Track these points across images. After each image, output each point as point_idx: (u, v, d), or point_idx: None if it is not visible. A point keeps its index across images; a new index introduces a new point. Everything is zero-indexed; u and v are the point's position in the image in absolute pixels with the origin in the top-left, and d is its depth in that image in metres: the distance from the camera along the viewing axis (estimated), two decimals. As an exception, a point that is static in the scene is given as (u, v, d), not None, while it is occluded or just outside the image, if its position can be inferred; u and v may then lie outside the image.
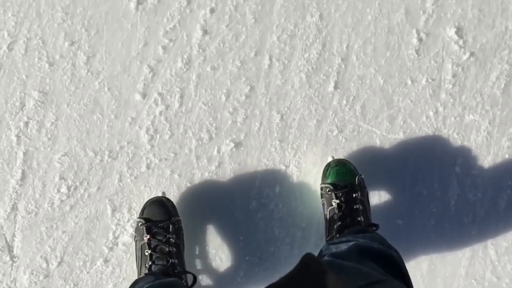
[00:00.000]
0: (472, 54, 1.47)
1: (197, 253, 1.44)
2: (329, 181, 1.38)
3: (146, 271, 1.32)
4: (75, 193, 1.43)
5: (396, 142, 1.47)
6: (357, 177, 1.36)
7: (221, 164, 1.44)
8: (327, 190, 1.36)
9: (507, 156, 1.46)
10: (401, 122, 1.46)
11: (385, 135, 1.45)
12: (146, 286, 1.21)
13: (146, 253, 1.33)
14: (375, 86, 1.46)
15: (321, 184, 1.41)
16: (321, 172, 1.40)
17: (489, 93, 1.46)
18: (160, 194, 1.40)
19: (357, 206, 1.35)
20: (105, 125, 1.44)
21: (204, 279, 1.42)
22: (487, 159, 1.46)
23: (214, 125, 1.45)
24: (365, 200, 1.37)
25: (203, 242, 1.43)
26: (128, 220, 1.42)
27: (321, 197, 1.40)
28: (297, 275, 0.80)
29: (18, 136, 1.44)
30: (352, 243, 1.18)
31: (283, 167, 1.46)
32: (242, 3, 1.47)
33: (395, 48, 1.46)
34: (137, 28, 1.46)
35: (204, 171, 1.43)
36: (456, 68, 1.46)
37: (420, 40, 1.47)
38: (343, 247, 1.18)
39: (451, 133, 1.46)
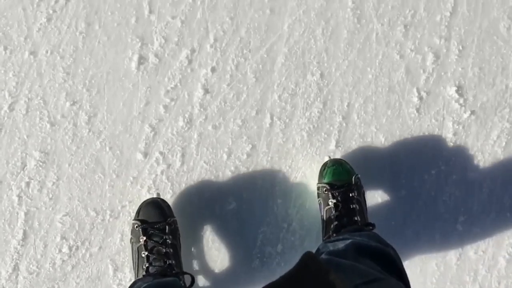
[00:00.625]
0: (472, 112, 1.53)
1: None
2: (325, 180, 1.45)
3: (144, 273, 1.38)
4: (77, 253, 1.49)
5: (398, 196, 1.51)
6: (353, 177, 1.43)
7: (223, 223, 1.48)
8: (324, 189, 1.43)
9: (508, 214, 1.52)
10: (403, 180, 1.51)
11: (387, 191, 1.49)
12: (144, 285, 1.28)
13: (143, 255, 1.39)
14: (377, 145, 1.51)
15: (317, 183, 1.48)
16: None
17: (490, 151, 1.53)
18: (155, 196, 1.48)
19: (354, 206, 1.40)
20: (107, 185, 1.50)
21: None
22: (489, 217, 1.52)
23: (216, 184, 1.49)
24: (361, 200, 1.44)
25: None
26: (130, 280, 1.46)
27: (318, 197, 1.47)
28: (296, 274, 0.85)
29: (19, 196, 1.49)
30: (349, 241, 1.23)
31: (285, 225, 1.50)
32: (243, 62, 1.53)
33: (396, 106, 1.53)
34: (138, 87, 1.52)
35: (206, 230, 1.49)
36: (457, 127, 1.52)
37: (420, 98, 1.53)
38: (340, 245, 1.23)
39: (453, 191, 1.51)
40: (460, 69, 1.56)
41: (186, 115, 1.54)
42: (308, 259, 0.85)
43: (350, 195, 1.41)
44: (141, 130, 1.54)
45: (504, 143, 1.56)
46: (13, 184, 1.51)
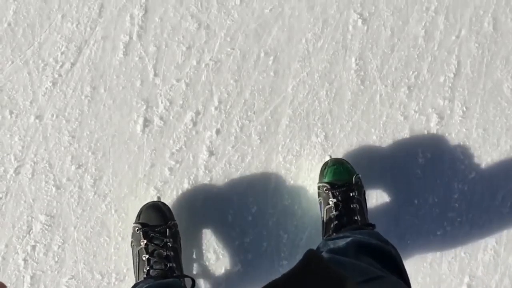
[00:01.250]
0: (477, 172, 1.56)
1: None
2: (326, 180, 1.51)
3: (145, 276, 1.44)
4: (83, 316, 1.52)
5: (402, 252, 1.55)
6: (354, 176, 1.50)
7: (228, 285, 1.52)
8: (324, 189, 1.49)
9: (514, 275, 1.56)
10: (408, 242, 1.55)
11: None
12: (146, 286, 1.35)
13: (144, 258, 1.44)
14: (382, 205, 1.55)
15: (318, 183, 1.55)
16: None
17: (496, 212, 1.56)
18: (155, 199, 1.56)
19: (354, 206, 1.46)
20: (112, 247, 1.55)
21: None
22: (494, 278, 1.57)
23: (221, 245, 1.53)
24: (362, 200, 1.50)
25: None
26: None
27: (318, 196, 1.53)
28: (299, 271, 0.88)
29: (25, 260, 1.54)
30: (350, 239, 1.28)
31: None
32: (248, 124, 1.58)
33: (400, 167, 1.56)
34: (143, 150, 1.57)
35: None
36: (462, 187, 1.56)
37: (425, 159, 1.56)
38: (341, 242, 1.27)
39: (458, 252, 1.55)
40: (464, 130, 1.62)
41: (191, 177, 1.59)
42: (311, 256, 0.87)
43: (351, 194, 1.46)
44: (146, 193, 1.59)
45: (509, 204, 1.60)
46: (19, 248, 1.56)
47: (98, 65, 1.62)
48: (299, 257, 1.58)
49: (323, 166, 1.55)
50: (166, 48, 1.63)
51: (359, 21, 1.63)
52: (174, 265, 1.43)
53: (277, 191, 1.60)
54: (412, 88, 1.63)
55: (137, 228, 1.47)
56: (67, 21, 1.61)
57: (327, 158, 1.57)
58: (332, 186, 1.47)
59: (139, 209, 1.51)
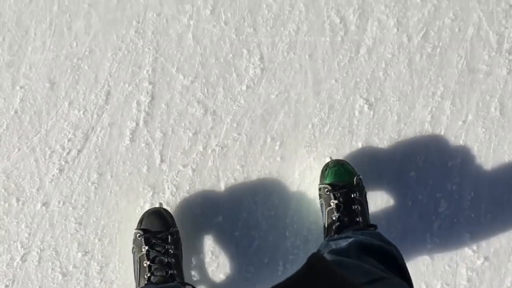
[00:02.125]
0: (486, 258, 1.63)
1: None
2: (327, 181, 1.55)
3: (145, 283, 1.48)
4: None
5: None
6: (355, 178, 1.54)
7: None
8: (326, 190, 1.54)
9: None
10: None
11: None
12: None
13: (145, 265, 1.49)
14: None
15: (319, 184, 1.59)
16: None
17: (505, 299, 1.59)
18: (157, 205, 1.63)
19: (356, 207, 1.50)
20: (119, 337, 1.57)
21: None
22: None
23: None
24: (363, 201, 1.55)
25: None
26: None
27: (319, 198, 1.58)
28: (302, 274, 0.90)
29: None
30: (352, 239, 1.32)
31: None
32: (255, 209, 1.60)
33: (409, 252, 1.58)
34: (150, 236, 1.59)
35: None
36: (471, 273, 1.61)
37: (434, 244, 1.60)
38: (343, 243, 1.31)
39: (467, 338, 1.58)
40: (472, 215, 1.64)
41: (199, 262, 1.61)
42: (314, 260, 0.88)
43: (352, 196, 1.50)
44: (153, 280, 1.61)
45: (518, 290, 1.63)
46: (25, 336, 1.59)
47: (105, 152, 1.67)
48: None
49: (323, 167, 1.59)
50: (172, 134, 1.67)
51: (365, 106, 1.68)
52: (175, 272, 1.47)
53: (285, 277, 1.62)
54: (419, 173, 1.66)
55: (139, 234, 1.51)
56: (74, 108, 1.67)
57: (328, 160, 1.61)
58: (333, 187, 1.51)
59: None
